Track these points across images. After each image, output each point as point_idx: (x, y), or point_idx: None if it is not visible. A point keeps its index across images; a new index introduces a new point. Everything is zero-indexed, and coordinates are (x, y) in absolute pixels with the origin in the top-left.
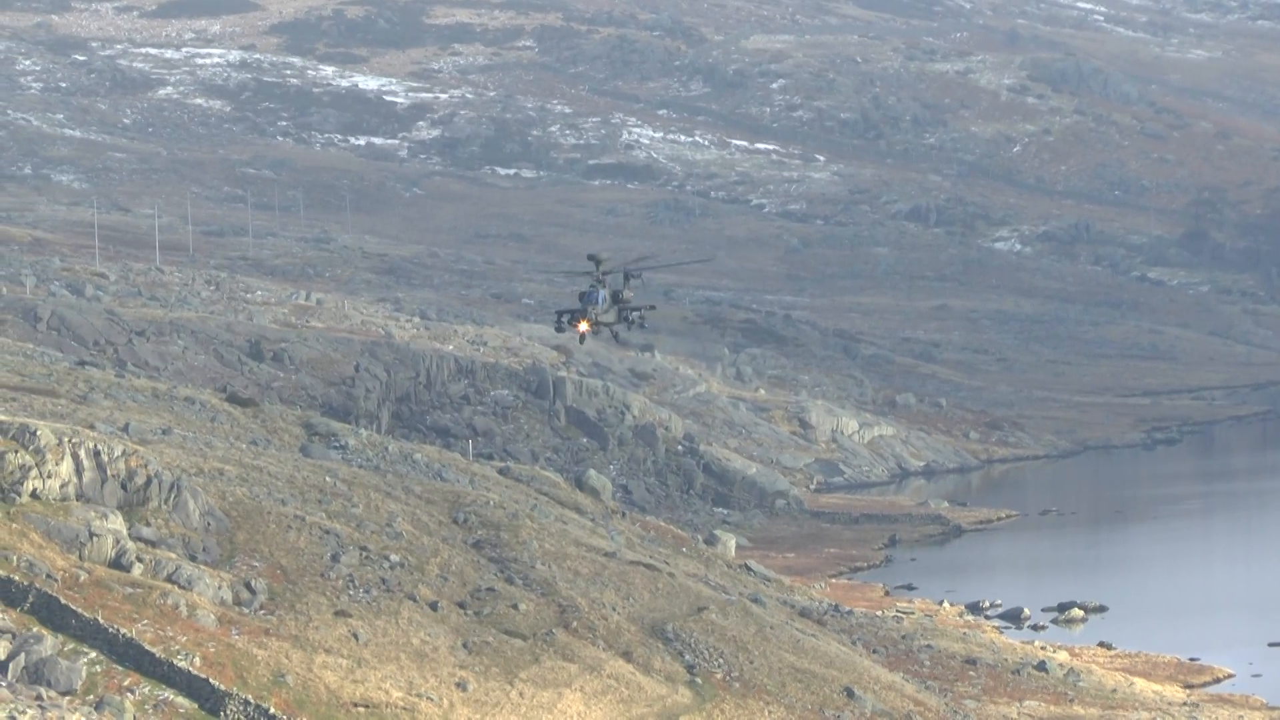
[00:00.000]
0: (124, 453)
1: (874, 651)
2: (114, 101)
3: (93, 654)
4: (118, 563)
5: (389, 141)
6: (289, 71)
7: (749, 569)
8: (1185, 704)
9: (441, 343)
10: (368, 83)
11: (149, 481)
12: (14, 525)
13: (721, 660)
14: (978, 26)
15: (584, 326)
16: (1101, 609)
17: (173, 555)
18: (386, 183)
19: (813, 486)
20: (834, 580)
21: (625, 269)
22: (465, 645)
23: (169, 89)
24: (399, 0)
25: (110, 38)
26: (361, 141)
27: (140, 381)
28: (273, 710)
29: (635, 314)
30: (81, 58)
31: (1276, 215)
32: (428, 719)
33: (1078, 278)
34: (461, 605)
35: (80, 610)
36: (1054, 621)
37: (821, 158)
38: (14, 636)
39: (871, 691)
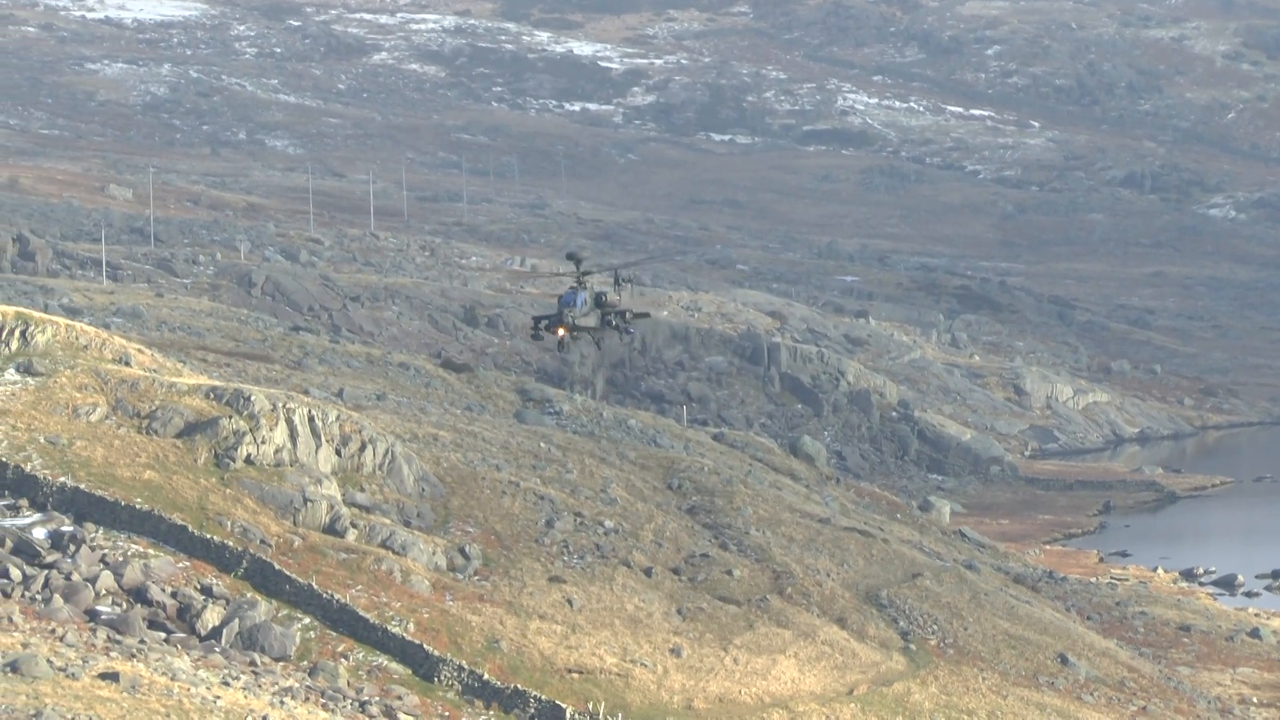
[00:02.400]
0: (338, 418)
1: (1088, 618)
2: (329, 67)
3: (306, 620)
4: (332, 528)
5: (604, 107)
6: (504, 37)
7: (963, 535)
8: None
9: (656, 309)
10: (583, 48)
11: (363, 447)
12: (228, 491)
13: (936, 627)
14: None
15: (561, 332)
16: None
17: (387, 521)
18: (601, 148)
19: (1027, 453)
20: (1048, 547)
21: (616, 271)
22: (679, 611)
23: (384, 54)
24: None
25: (325, 3)
26: (576, 107)
27: (354, 347)
28: (486, 676)
29: (619, 318)
30: (296, 23)
31: None
32: (642, 685)
33: None
34: (676, 571)
35: (294, 576)
36: (1268, 588)
37: (1036, 124)
38: (228, 602)
39: (1085, 658)
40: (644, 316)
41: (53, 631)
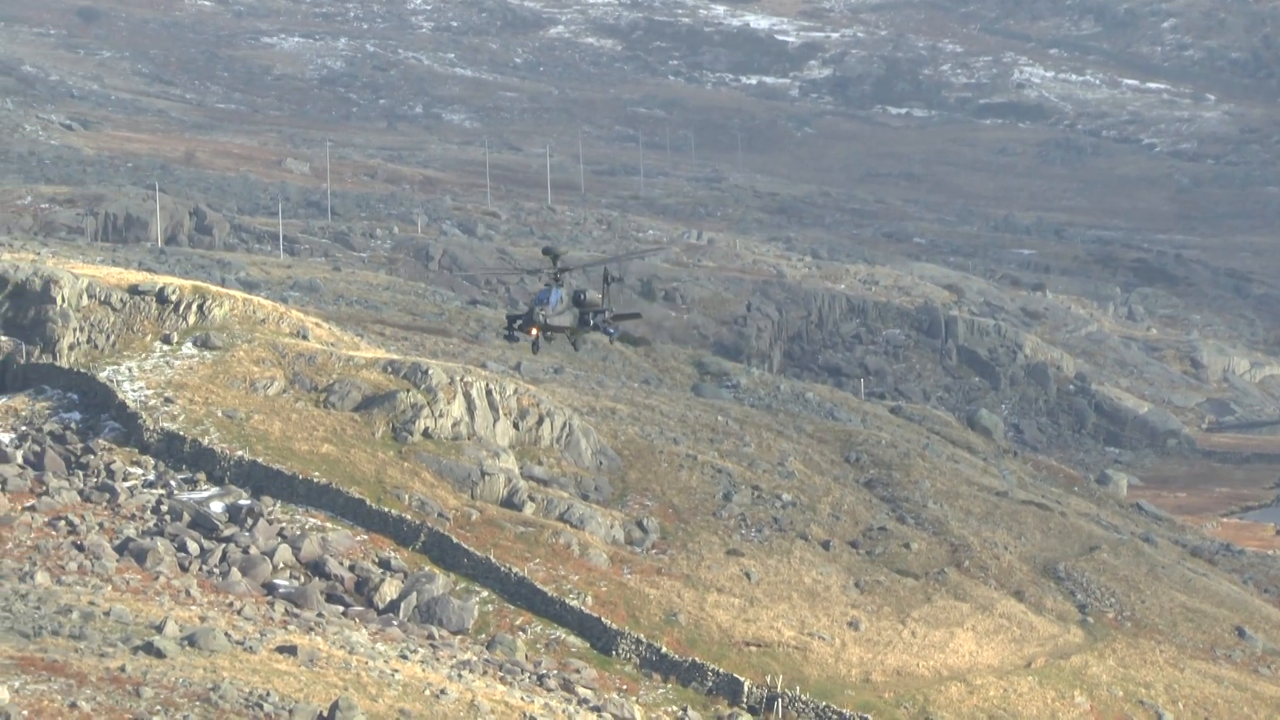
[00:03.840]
0: (516, 391)
1: (1265, 591)
2: (505, 41)
3: (484, 593)
4: (509, 501)
5: (780, 80)
6: (680, 10)
7: (1140, 508)
8: None
9: (833, 282)
10: (759, 22)
11: (541, 420)
12: (406, 464)
13: (1113, 599)
14: None
15: (533, 332)
16: None
17: (565, 494)
18: (778, 122)
19: (1204, 426)
20: (1225, 520)
21: (605, 268)
22: (857, 584)
23: (560, 28)
24: None
25: None
26: (753, 80)
27: None
28: (664, 649)
29: (600, 318)
30: None
31: None
32: (819, 658)
33: None
34: (853, 544)
35: (472, 549)
36: None
37: (1212, 97)
38: (406, 576)
39: (1262, 631)
40: (632, 317)
41: (230, 605)
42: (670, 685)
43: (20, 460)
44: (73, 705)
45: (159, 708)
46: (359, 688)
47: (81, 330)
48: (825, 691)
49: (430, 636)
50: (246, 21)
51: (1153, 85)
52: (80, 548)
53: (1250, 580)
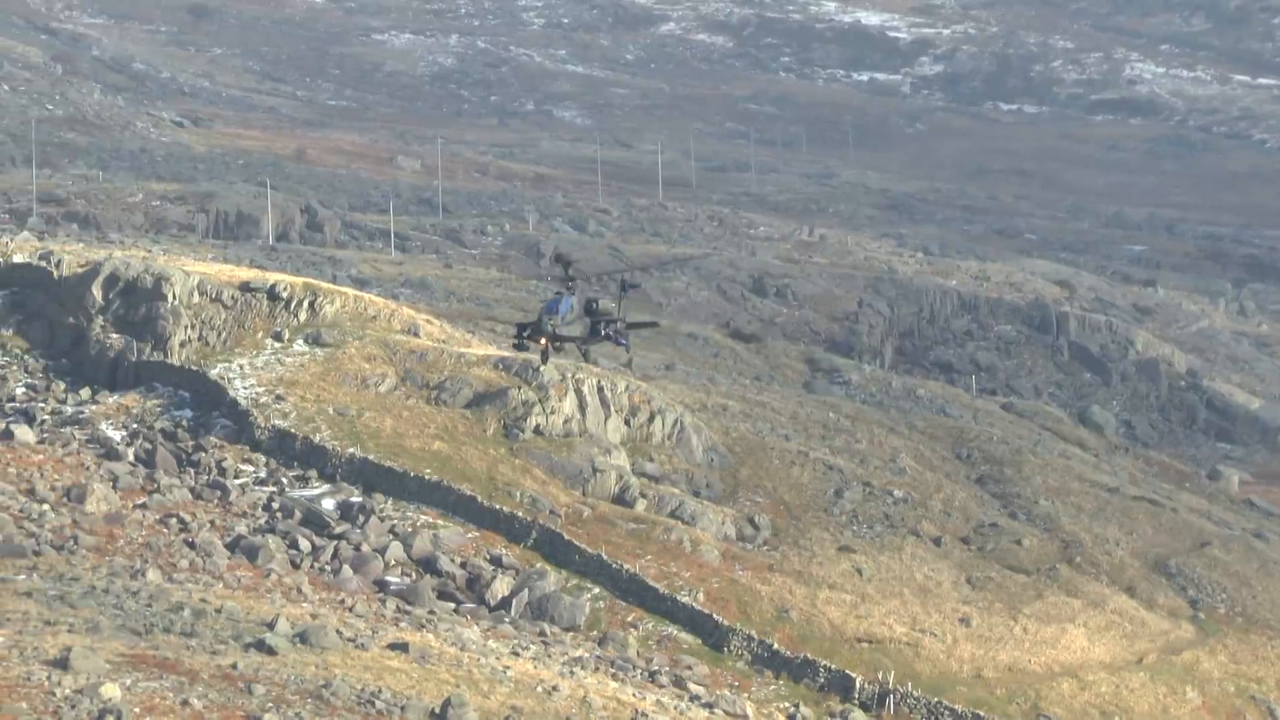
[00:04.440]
0: (627, 388)
1: None
2: (616, 37)
3: (596, 590)
4: (621, 498)
5: (891, 77)
6: (791, 7)
7: (1252, 504)
8: None
9: (944, 278)
10: (870, 18)
11: (652, 417)
12: (517, 461)
13: (1224, 595)
14: None
15: (542, 343)
16: None
17: (676, 491)
18: (889, 118)
19: None
20: None
21: (622, 276)
22: (969, 580)
23: (671, 25)
24: None
25: None
26: (864, 77)
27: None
28: (776, 646)
29: (612, 328)
30: None
31: None
32: (931, 654)
33: None
34: (965, 540)
35: (583, 546)
36: None
37: None
38: (517, 573)
39: None
40: (650, 325)
41: (342, 602)
42: (782, 682)
43: (131, 458)
44: (184, 703)
45: (270, 705)
46: (471, 685)
47: (193, 327)
48: (937, 688)
49: (542, 633)
50: (357, 18)
51: (1264, 81)
52: (191, 545)
53: None
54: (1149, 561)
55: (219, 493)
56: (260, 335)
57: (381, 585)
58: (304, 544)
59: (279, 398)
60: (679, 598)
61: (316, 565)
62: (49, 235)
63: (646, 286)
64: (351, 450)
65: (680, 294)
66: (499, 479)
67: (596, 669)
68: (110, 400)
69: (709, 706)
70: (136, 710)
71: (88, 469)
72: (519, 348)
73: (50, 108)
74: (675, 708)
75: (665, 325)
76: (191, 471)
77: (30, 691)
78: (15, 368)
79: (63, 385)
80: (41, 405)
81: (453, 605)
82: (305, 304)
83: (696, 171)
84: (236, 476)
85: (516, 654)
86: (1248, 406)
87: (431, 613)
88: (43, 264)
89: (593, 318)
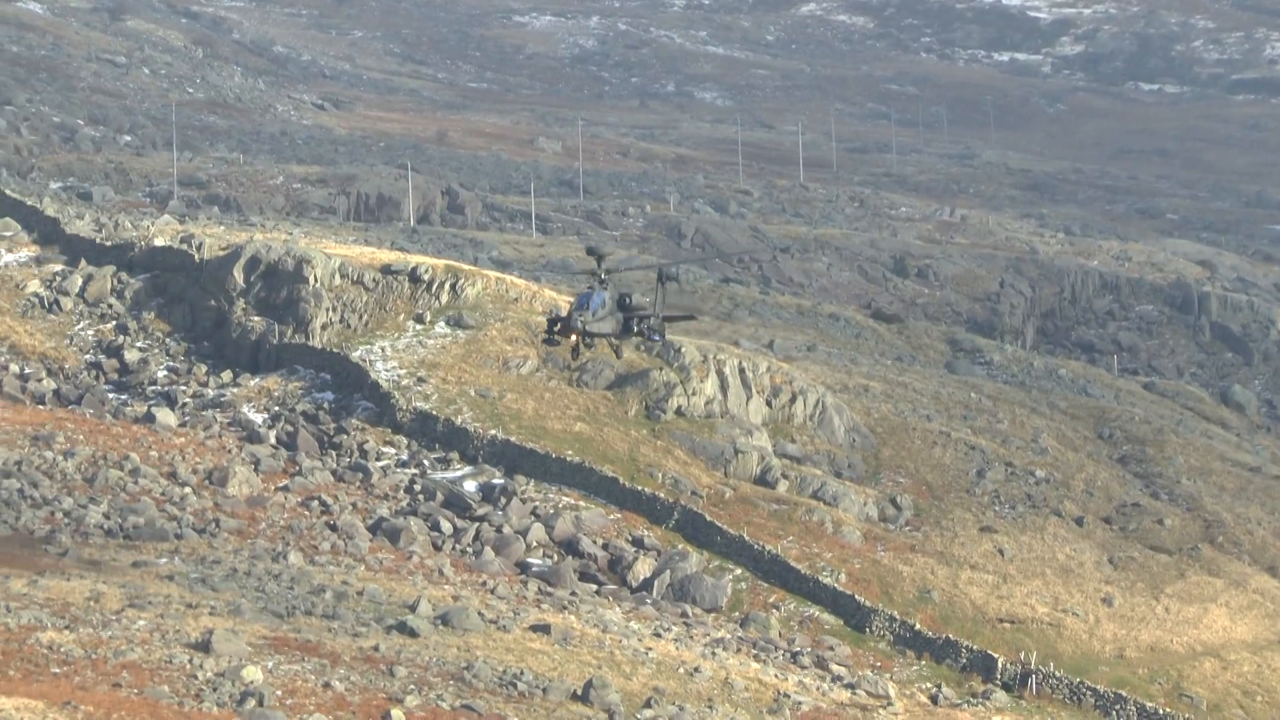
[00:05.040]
0: (769, 369)
1: None
2: (757, 18)
3: (738, 570)
4: (763, 479)
5: (1032, 57)
6: None
7: None
8: None
9: (1086, 258)
10: None
11: (794, 398)
12: (659, 443)
13: None
14: None
15: (572, 338)
16: None
17: (818, 471)
18: (1030, 99)
19: None
20: None
21: (660, 269)
22: (1110, 560)
23: (812, 5)
24: None
25: None
26: (1004, 57)
27: (784, 298)
28: (918, 626)
29: (645, 324)
30: None
31: None
32: (1073, 635)
33: None
34: (1107, 520)
35: (725, 527)
36: None
37: None
38: (659, 554)
39: None
40: (686, 319)
41: (484, 584)
42: (924, 662)
43: (273, 440)
44: (326, 685)
45: (412, 687)
46: (613, 666)
47: (334, 310)
48: (1079, 668)
49: (684, 614)
50: (498, 1)
51: None
52: (333, 528)
53: None
54: None
55: (361, 475)
56: (401, 317)
57: (523, 567)
58: (446, 526)
59: (420, 380)
60: (821, 579)
61: (458, 547)
62: (190, 219)
63: (787, 267)
64: (493, 432)
65: (822, 275)
66: (641, 460)
67: (738, 650)
68: (252, 383)
69: (851, 687)
70: (278, 693)
71: (229, 452)
72: (549, 343)
73: (191, 91)
74: (817, 689)
75: (703, 321)
76: (333, 454)
77: (172, 674)
78: (157, 351)
79: (204, 368)
80: (183, 388)
81: (594, 587)
82: (446, 286)
83: (837, 152)
84: (378, 459)
85: (658, 635)
86: None
87: (573, 594)
88: (184, 247)
89: (625, 313)
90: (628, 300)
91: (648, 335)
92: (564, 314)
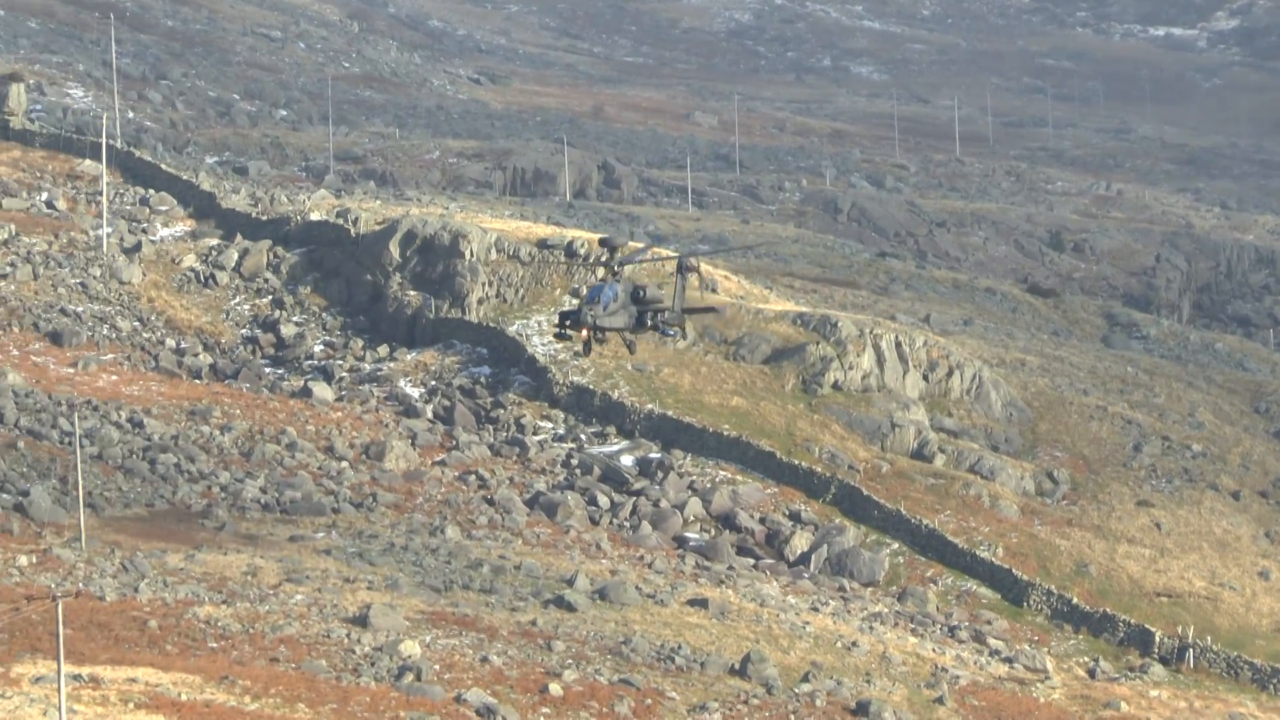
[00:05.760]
0: (925, 344)
1: None
2: None
3: (895, 545)
4: (919, 454)
5: (1187, 32)
6: None
7: None
8: None
9: (1241, 232)
10: None
11: (950, 372)
12: (816, 417)
13: None
14: None
15: (584, 333)
16: None
17: (975, 446)
18: (1185, 73)
19: None
20: None
21: (680, 259)
22: (1267, 534)
23: None
24: None
25: None
26: (1160, 32)
27: (940, 273)
28: (1075, 600)
29: (660, 317)
30: None
31: None
32: (1230, 608)
33: None
34: (1263, 494)
35: (882, 501)
36: None
37: None
38: (816, 528)
39: None
40: (706, 312)
41: (641, 558)
42: (1081, 636)
43: (430, 415)
44: (484, 660)
45: (570, 661)
46: (770, 640)
47: (490, 284)
48: (1236, 642)
49: (841, 589)
50: None
51: None
52: (490, 502)
53: None
54: None
55: (518, 449)
56: (558, 292)
57: (680, 541)
58: (603, 500)
59: (577, 354)
60: (978, 553)
61: (615, 521)
62: (346, 193)
63: (944, 241)
64: (650, 406)
65: (978, 249)
66: (798, 434)
67: (896, 624)
68: (408, 357)
69: (1009, 661)
70: (435, 667)
71: (386, 426)
72: (560, 337)
73: (347, 65)
74: (975, 662)
75: (728, 314)
76: (490, 428)
77: (330, 649)
78: (313, 325)
79: (361, 343)
80: (340, 363)
81: (752, 561)
82: (603, 260)
83: (993, 127)
84: (535, 433)
85: (816, 609)
86: None
87: (730, 568)
88: (340, 222)
89: (639, 306)
90: (641, 293)
91: (662, 330)
92: (578, 308)
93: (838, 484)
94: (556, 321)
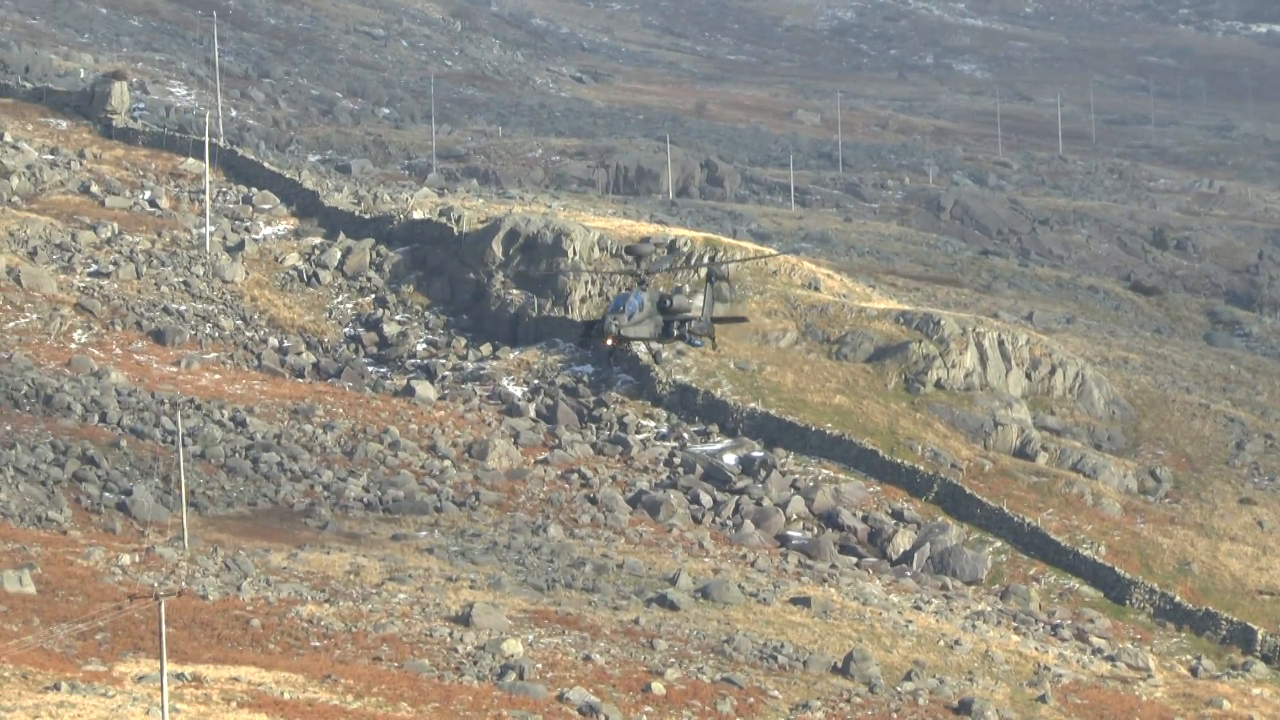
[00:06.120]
0: (1028, 342)
1: None
2: None
3: (997, 543)
4: (1022, 451)
5: None
6: None
7: None
8: None
9: None
10: None
11: (1053, 370)
12: (918, 415)
13: None
14: None
15: (608, 342)
16: None
17: (1077, 444)
18: None
19: None
20: None
21: (709, 268)
22: None
23: None
24: None
25: None
26: (1262, 29)
27: (1043, 270)
28: (1178, 599)
29: (686, 326)
30: None
31: None
32: None
33: None
34: None
35: (984, 499)
36: None
37: None
38: (919, 526)
39: None
40: (738, 321)
41: (743, 557)
42: (1184, 634)
43: (533, 413)
44: (586, 658)
45: (673, 660)
46: (873, 639)
47: (593, 283)
48: None
49: (944, 587)
50: None
51: None
52: (593, 500)
53: None
54: None
55: (620, 448)
56: (661, 290)
57: (783, 540)
58: (705, 499)
59: (680, 353)
60: (1081, 551)
61: (718, 520)
62: (449, 191)
63: (1046, 239)
64: (753, 405)
65: (1080, 247)
66: (900, 433)
67: (999, 622)
68: (511, 356)
69: (1111, 659)
70: (538, 666)
71: (489, 425)
72: (584, 347)
73: (449, 64)
74: (1077, 661)
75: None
76: (593, 427)
77: (432, 647)
78: (416, 324)
79: (463, 341)
80: (442, 361)
81: (854, 559)
82: (706, 259)
83: (1096, 124)
84: (638, 432)
85: (918, 608)
86: None
87: (833, 567)
88: (443, 220)
89: (665, 315)
90: (667, 303)
91: (689, 340)
92: (606, 316)
93: (940, 482)
94: (580, 332)
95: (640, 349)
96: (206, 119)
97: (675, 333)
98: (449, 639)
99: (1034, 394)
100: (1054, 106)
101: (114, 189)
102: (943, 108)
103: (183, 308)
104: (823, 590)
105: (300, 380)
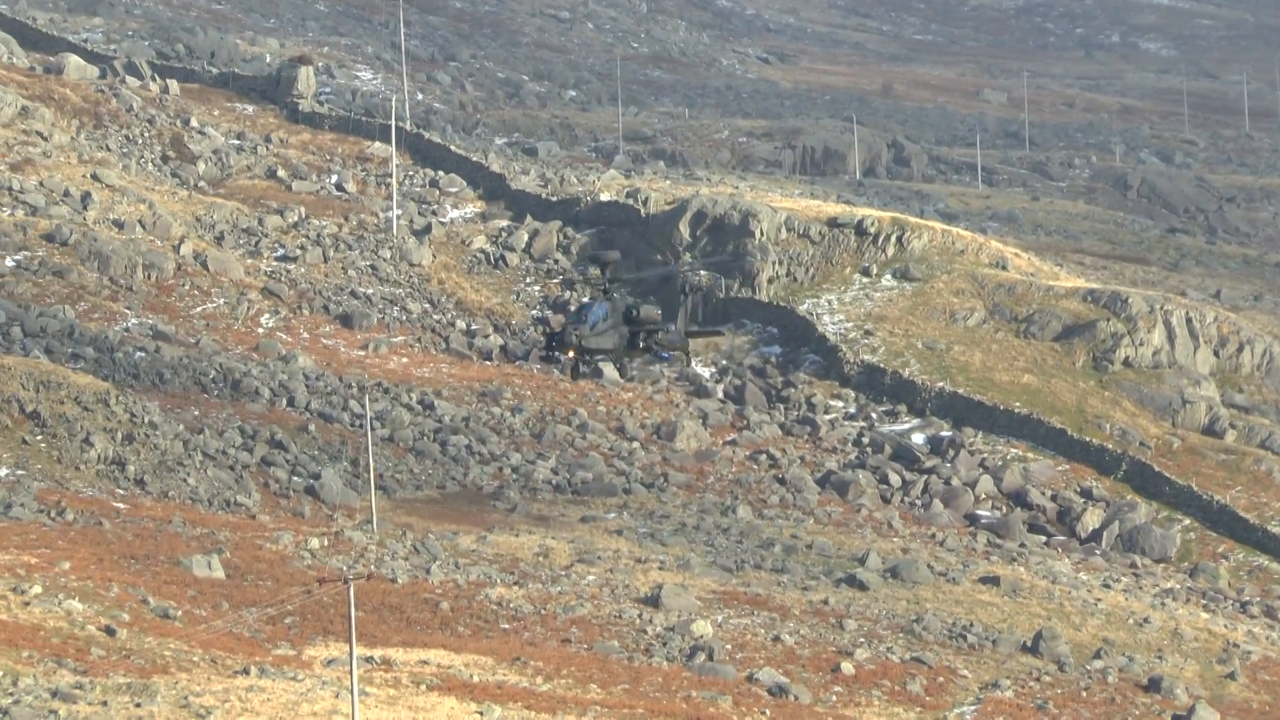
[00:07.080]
0: (1215, 319)
1: None
2: None
3: (1186, 521)
4: (1210, 429)
5: None
6: None
7: None
8: None
9: None
10: None
11: (1241, 348)
12: (1106, 394)
13: None
14: None
15: (570, 354)
16: None
17: (1266, 421)
18: None
19: None
20: None
21: (683, 277)
22: None
23: None
24: None
25: None
26: None
27: (1230, 248)
28: None
29: (653, 339)
30: None
31: None
32: None
33: None
34: None
35: (1173, 477)
36: None
37: None
38: (1107, 505)
39: None
40: (713, 334)
41: (932, 536)
42: None
43: (721, 394)
44: (775, 639)
45: (862, 640)
46: (1062, 617)
47: (780, 263)
48: None
49: (1133, 565)
50: None
51: None
52: (782, 481)
53: None
54: None
55: (809, 428)
56: (848, 270)
57: (972, 519)
58: (894, 479)
59: (867, 333)
60: (1270, 528)
61: (907, 500)
62: (635, 173)
63: (1233, 216)
64: (941, 384)
65: (1267, 224)
66: (1088, 411)
67: (1188, 600)
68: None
69: None
70: (728, 647)
71: (677, 406)
72: (546, 359)
73: (636, 46)
74: (1266, 638)
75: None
76: (781, 407)
77: (622, 629)
78: None
79: None
80: None
81: (1043, 538)
82: (893, 239)
83: None
84: (826, 412)
85: (1108, 586)
86: None
87: (1022, 546)
88: (629, 202)
89: (632, 327)
90: (634, 313)
91: (657, 353)
92: (566, 328)
93: (1129, 460)
94: (543, 344)
95: (607, 363)
96: (393, 103)
97: (643, 345)
98: (638, 621)
99: (1222, 371)
100: (1240, 84)
101: (300, 173)
102: (1129, 86)
103: (370, 291)
104: (1012, 569)
105: (488, 363)
